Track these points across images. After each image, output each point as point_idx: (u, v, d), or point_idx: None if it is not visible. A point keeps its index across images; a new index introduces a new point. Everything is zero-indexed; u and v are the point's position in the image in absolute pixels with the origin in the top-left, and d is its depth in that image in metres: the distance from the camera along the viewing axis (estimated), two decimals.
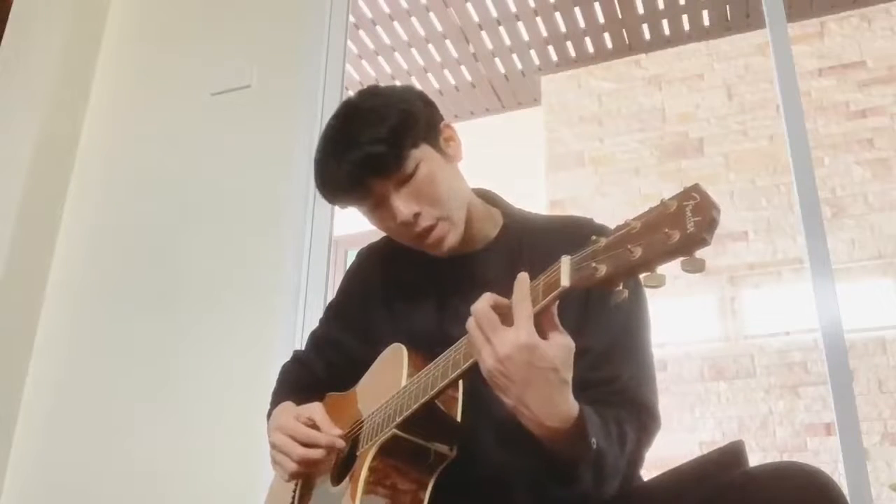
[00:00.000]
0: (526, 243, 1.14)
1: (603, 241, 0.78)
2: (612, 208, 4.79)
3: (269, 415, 1.26)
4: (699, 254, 0.70)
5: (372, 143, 1.06)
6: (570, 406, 0.85)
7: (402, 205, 1.08)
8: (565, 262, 0.81)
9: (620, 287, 0.75)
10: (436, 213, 1.09)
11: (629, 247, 0.73)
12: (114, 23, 2.79)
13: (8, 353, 2.29)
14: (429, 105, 1.16)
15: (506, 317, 0.85)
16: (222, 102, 2.46)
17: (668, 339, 4.31)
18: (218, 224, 2.31)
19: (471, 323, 0.87)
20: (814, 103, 4.56)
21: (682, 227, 0.70)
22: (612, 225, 1.14)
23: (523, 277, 0.85)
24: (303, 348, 1.40)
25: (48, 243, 2.46)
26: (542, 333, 0.83)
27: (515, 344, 0.82)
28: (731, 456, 0.93)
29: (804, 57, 4.62)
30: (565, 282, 0.79)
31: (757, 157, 4.67)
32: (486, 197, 1.23)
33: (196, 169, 2.42)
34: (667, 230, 0.71)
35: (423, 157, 1.09)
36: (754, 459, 0.91)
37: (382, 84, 1.31)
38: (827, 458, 3.89)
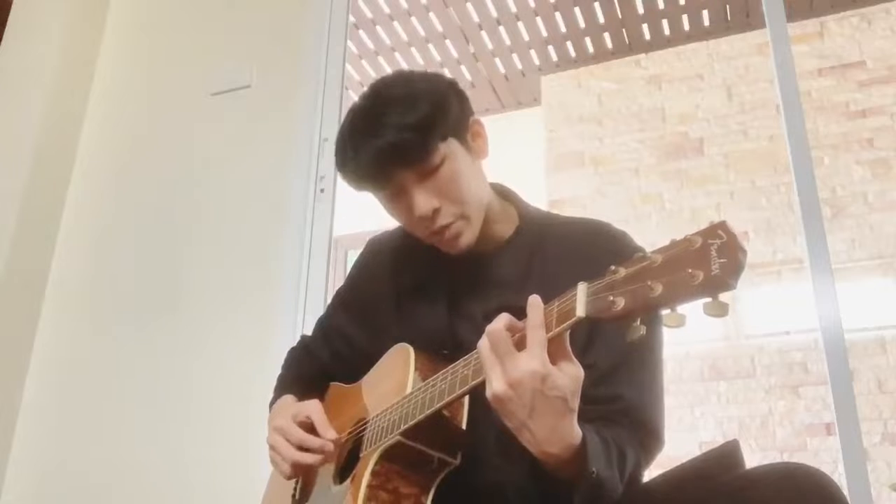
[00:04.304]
0: (540, 250, 1.11)
1: (622, 271, 0.75)
2: (612, 208, 4.79)
3: (271, 403, 1.26)
4: (723, 297, 0.67)
5: (400, 129, 1.02)
6: (574, 434, 0.84)
7: (423, 199, 1.05)
8: (581, 291, 0.78)
9: (638, 323, 0.72)
10: (455, 210, 1.07)
11: (649, 282, 0.71)
12: (113, 23, 2.79)
13: (8, 353, 2.29)
14: (461, 97, 1.12)
15: (518, 340, 0.83)
16: (222, 102, 2.46)
17: (668, 339, 4.30)
18: (218, 224, 2.31)
19: (484, 344, 0.85)
20: (814, 103, 4.56)
21: (706, 269, 0.67)
22: (611, 220, 1.15)
23: (536, 302, 0.83)
24: (310, 333, 1.39)
25: (48, 243, 2.46)
26: (553, 361, 0.81)
27: (527, 370, 0.80)
28: (729, 456, 0.93)
29: (804, 57, 4.62)
30: (580, 312, 0.77)
31: (757, 157, 4.67)
32: (502, 192, 1.20)
33: (196, 169, 2.42)
34: (690, 270, 0.68)
35: (449, 152, 1.05)
36: (754, 459, 0.91)
37: None
38: (827, 458, 3.88)
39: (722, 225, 0.69)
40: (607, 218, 1.17)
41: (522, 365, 0.81)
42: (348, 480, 1.05)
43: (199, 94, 2.50)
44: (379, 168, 1.05)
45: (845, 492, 0.97)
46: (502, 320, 0.85)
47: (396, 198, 1.08)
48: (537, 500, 0.95)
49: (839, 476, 1.60)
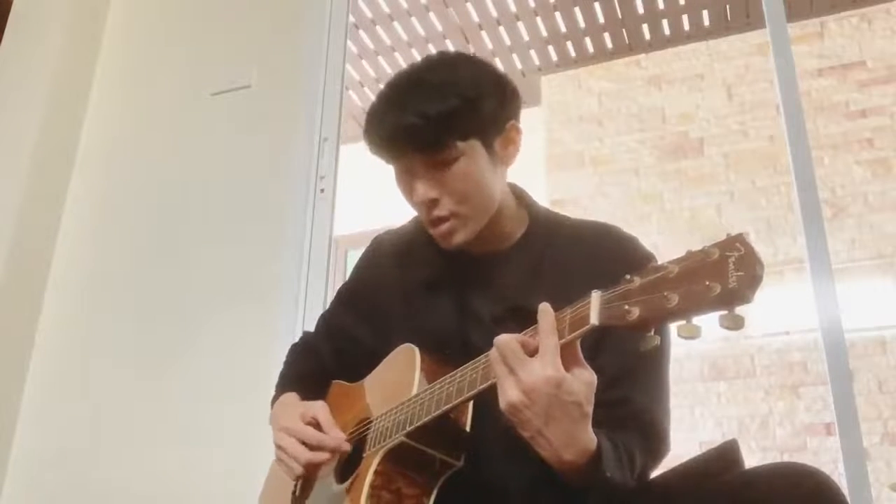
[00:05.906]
0: (548, 252, 1.11)
1: (637, 280, 0.75)
2: (612, 208, 4.79)
3: (273, 400, 1.26)
4: (738, 309, 0.67)
5: (417, 115, 1.02)
6: (589, 440, 0.84)
7: (423, 187, 1.06)
8: (595, 299, 0.78)
9: (652, 333, 0.72)
10: (453, 207, 1.07)
11: (665, 293, 0.71)
12: (113, 23, 2.79)
13: (8, 353, 2.29)
14: (505, 99, 1.10)
15: (530, 352, 0.83)
16: (222, 102, 2.46)
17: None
18: (218, 225, 2.31)
19: (494, 355, 0.85)
20: (814, 103, 4.56)
21: (724, 281, 0.67)
22: (611, 220, 1.15)
23: (548, 308, 0.83)
24: (313, 330, 1.38)
25: (48, 243, 2.46)
26: (565, 367, 0.81)
27: (542, 377, 0.80)
28: (728, 455, 0.93)
29: (804, 57, 4.62)
30: (594, 320, 0.77)
31: (757, 157, 4.67)
32: (514, 192, 1.20)
33: (196, 169, 2.42)
34: (707, 282, 0.68)
35: (467, 151, 1.05)
36: (754, 460, 0.91)
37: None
38: (827, 458, 3.88)
39: (739, 237, 0.69)
40: (607, 218, 1.17)
41: (537, 371, 0.81)
42: (350, 480, 1.05)
43: (199, 94, 2.50)
44: (393, 144, 1.07)
45: (845, 492, 0.97)
46: (512, 336, 0.85)
47: (403, 175, 1.10)
48: (541, 502, 0.95)
49: (839, 476, 1.60)
